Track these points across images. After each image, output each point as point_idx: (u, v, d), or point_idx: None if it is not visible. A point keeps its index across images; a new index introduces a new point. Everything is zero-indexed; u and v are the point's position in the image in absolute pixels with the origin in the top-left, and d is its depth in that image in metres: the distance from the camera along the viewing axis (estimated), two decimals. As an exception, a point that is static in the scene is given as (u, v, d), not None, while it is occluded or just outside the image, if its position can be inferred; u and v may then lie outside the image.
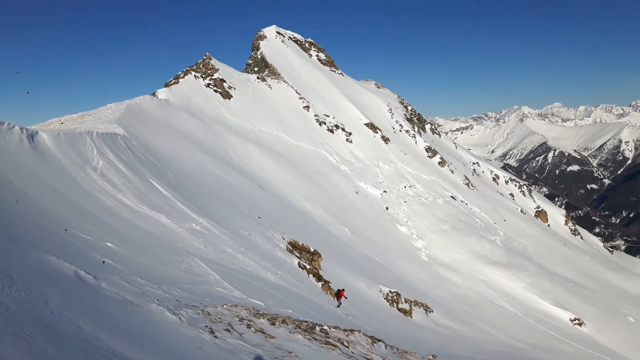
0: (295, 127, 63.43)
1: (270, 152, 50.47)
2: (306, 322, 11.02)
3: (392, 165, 70.27)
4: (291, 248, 24.83)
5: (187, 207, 20.00)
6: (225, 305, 10.40)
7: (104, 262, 10.18)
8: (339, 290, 21.13)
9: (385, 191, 61.96)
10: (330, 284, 23.37)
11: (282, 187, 42.16)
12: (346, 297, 20.87)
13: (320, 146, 62.60)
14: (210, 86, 61.68)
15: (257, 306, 12.22)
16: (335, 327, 11.24)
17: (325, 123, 70.33)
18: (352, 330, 11.44)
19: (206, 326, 8.22)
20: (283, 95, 71.36)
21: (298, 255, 24.80)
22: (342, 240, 38.88)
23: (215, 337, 7.78)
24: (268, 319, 10.02)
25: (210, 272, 13.91)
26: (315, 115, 70.67)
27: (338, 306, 20.21)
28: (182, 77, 60.75)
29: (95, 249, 11.19)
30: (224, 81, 63.82)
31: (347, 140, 69.89)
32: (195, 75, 62.42)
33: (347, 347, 9.88)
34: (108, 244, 12.12)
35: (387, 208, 58.82)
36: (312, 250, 26.09)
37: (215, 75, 63.74)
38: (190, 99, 54.46)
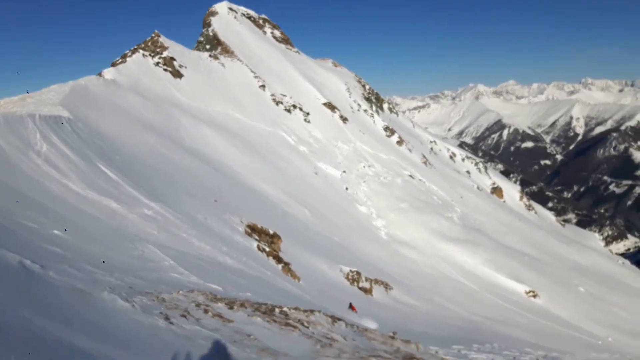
0: (251, 107, 62.31)
1: (225, 133, 49.42)
2: (265, 304, 10.78)
3: (351, 145, 70.40)
4: (250, 231, 24.46)
5: (137, 191, 19.27)
6: (181, 291, 10.02)
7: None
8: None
9: (344, 171, 62.10)
10: (290, 266, 23.21)
11: (239, 169, 41.48)
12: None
13: (277, 127, 61.85)
14: (160, 65, 59.45)
15: (215, 291, 11.89)
16: (295, 309, 11.05)
17: (282, 103, 69.42)
18: (312, 311, 11.29)
19: (161, 313, 7.85)
20: (237, 74, 69.78)
21: (257, 238, 24.47)
22: (302, 222, 38.76)
23: (171, 323, 7.43)
24: (226, 303, 9.71)
25: (164, 258, 13.44)
26: (272, 95, 69.61)
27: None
28: (130, 56, 58.25)
29: (41, 237, 10.56)
30: (174, 60, 61.72)
31: (305, 120, 69.35)
32: (143, 54, 59.99)
33: (308, 327, 9.71)
34: (55, 231, 11.48)
35: (346, 188, 59.02)
36: (271, 232, 25.82)
37: (165, 54, 61.50)
38: (139, 79, 52.45)
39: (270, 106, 67.21)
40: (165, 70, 59.27)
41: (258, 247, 23.02)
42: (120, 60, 57.26)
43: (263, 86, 69.98)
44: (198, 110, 53.08)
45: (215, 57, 71.64)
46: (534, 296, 48.08)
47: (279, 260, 23.19)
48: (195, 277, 12.76)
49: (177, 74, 59.70)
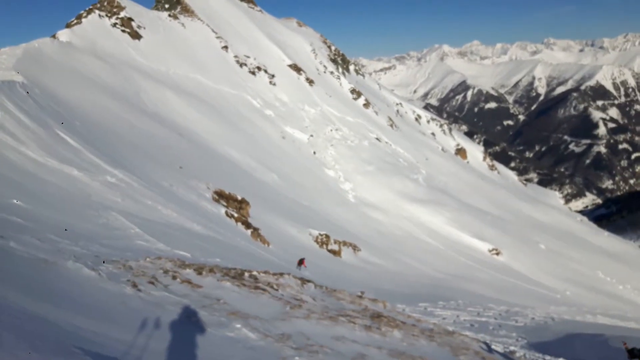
0: (214, 69, 60.75)
1: (188, 97, 48.23)
2: (234, 269, 10.82)
3: (317, 108, 69.97)
4: (217, 197, 24.29)
5: (99, 158, 18.75)
6: (148, 258, 9.93)
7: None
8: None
9: (312, 135, 61.91)
10: (259, 231, 23.27)
11: (204, 134, 40.78)
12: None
13: (242, 89, 60.72)
14: (117, 26, 56.89)
15: (183, 257, 11.83)
16: (265, 272, 11.14)
17: (246, 65, 67.91)
18: (281, 274, 11.41)
19: (128, 280, 7.77)
20: (198, 34, 67.52)
21: (225, 204, 24.34)
22: (270, 187, 38.71)
23: (139, 290, 7.38)
24: (194, 269, 9.69)
25: (130, 226, 13.23)
26: (235, 57, 67.94)
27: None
28: (85, 17, 55.39)
29: (-1, 207, 10.21)
30: (132, 20, 59.15)
31: (270, 82, 68.24)
32: (99, 14, 57.18)
33: (277, 290, 9.83)
34: (14, 201, 11.10)
35: (314, 152, 59.00)
36: (239, 198, 25.70)
37: (122, 14, 58.83)
38: (96, 41, 50.19)
39: (234, 68, 65.73)
40: (123, 31, 56.87)
41: (226, 213, 22.93)
42: (75, 21, 54.50)
43: (226, 47, 68.17)
44: (159, 73, 51.44)
45: (175, 17, 69.03)
46: (497, 253, 49.81)
47: (247, 225, 23.20)
48: (163, 244, 12.65)
49: (135, 35, 57.42)
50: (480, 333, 18.80)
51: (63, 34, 47.81)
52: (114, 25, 56.75)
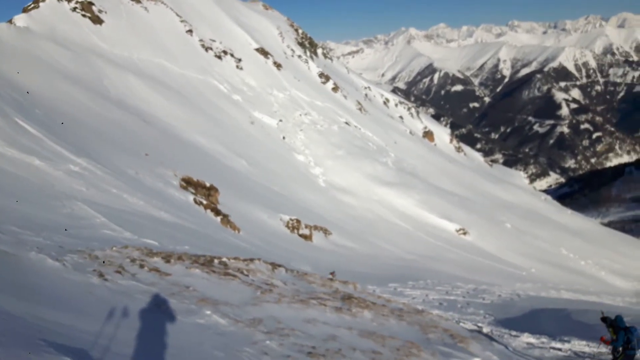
0: (179, 54, 59.41)
1: (153, 82, 47.13)
2: (204, 256, 10.76)
3: (286, 92, 69.50)
4: (185, 184, 23.99)
5: (62, 147, 18.23)
6: (114, 248, 9.77)
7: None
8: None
9: (281, 120, 61.54)
10: (229, 217, 23.14)
11: (170, 120, 40.03)
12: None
13: (208, 74, 59.66)
14: (77, 10, 54.83)
15: (151, 246, 11.68)
16: (235, 258, 11.11)
17: (212, 49, 66.64)
18: (252, 260, 11.41)
19: (94, 270, 7.65)
20: (162, 18, 65.70)
21: (193, 191, 24.06)
22: (239, 173, 38.43)
23: (105, 280, 7.28)
24: (162, 257, 9.60)
25: (95, 215, 12.96)
26: (200, 41, 66.56)
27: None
28: (43, 1, 53.25)
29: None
30: (93, 4, 57.07)
31: (237, 67, 67.26)
32: (58, -2, 54.98)
33: (247, 275, 9.83)
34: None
35: (283, 137, 58.73)
36: (208, 185, 25.43)
37: (82, -2, 56.67)
38: (55, 26, 48.36)
39: (199, 52, 64.46)
40: (83, 15, 54.89)
41: (195, 200, 22.69)
42: (32, 5, 52.28)
43: (190, 31, 66.67)
44: (122, 58, 50.03)
45: (138, 1, 66.96)
46: (464, 233, 50.91)
47: (217, 212, 23.02)
48: (130, 233, 12.46)
49: (97, 20, 55.54)
50: (449, 311, 19.28)
51: (20, 19, 45.88)
52: (74, 9, 54.70)
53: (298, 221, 30.95)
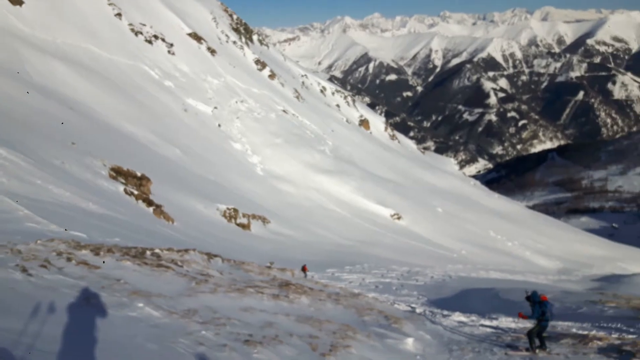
0: (107, 38, 56.57)
1: (80, 68, 44.66)
2: (135, 248, 10.43)
3: (221, 79, 68.10)
4: (115, 174, 23.04)
5: (-22, 136, 17.00)
6: (39, 241, 9.26)
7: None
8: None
9: (216, 107, 60.29)
10: (162, 208, 22.51)
11: (98, 108, 38.17)
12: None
13: (138, 60, 57.28)
14: (-6, -11, 50.87)
15: (79, 238, 11.16)
16: (169, 249, 10.86)
17: (142, 33, 63.97)
18: (186, 250, 11.18)
19: (17, 265, 7.23)
20: (88, 0, 62.32)
21: (124, 181, 23.16)
22: (173, 162, 37.37)
23: (30, 275, 6.90)
24: (91, 250, 9.21)
25: (18, 208, 12.20)
26: (130, 25, 63.68)
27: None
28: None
29: None
30: (11, -17, 53.14)
31: (169, 52, 65.02)
32: (-29, -23, 50.80)
33: (182, 266, 9.64)
34: None
35: (219, 125, 57.62)
36: (139, 175, 24.55)
37: (-1, -23, 52.62)
38: (-32, 7, 44.81)
39: (129, 37, 61.71)
40: (-1, -5, 50.95)
41: (125, 190, 21.87)
42: (-62, -18, 47.96)
43: (119, 14, 63.66)
44: (46, 42, 46.98)
45: (61, -19, 63.09)
46: (399, 218, 52.40)
47: (149, 203, 22.32)
48: (56, 226, 11.84)
49: (16, 1, 51.77)
50: (384, 293, 19.83)
51: None
52: (-13, -13, 50.65)
53: (235, 210, 30.62)
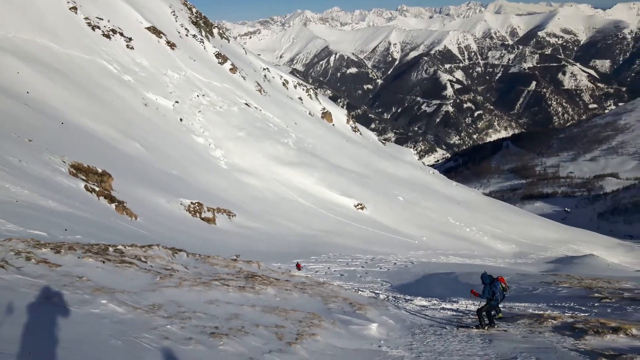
0: (63, 32, 54.75)
1: (35, 64, 43.09)
2: (98, 244, 10.29)
3: (181, 73, 66.96)
4: (75, 171, 22.47)
5: None
6: (-5, 242, 9.05)
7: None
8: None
9: (177, 101, 59.30)
10: (125, 204, 22.13)
11: (56, 104, 37.00)
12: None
13: (96, 54, 55.69)
14: (-62, -18, 48.49)
15: (39, 237, 10.93)
16: (132, 245, 10.76)
17: (99, 27, 62.17)
18: (150, 246, 11.10)
19: (-28, 267, 7.08)
20: (41, -6, 59.95)
21: (84, 178, 22.63)
22: (134, 158, 36.65)
23: (-14, 276, 6.77)
24: (51, 248, 9.05)
25: (-29, 208, 11.85)
26: (86, 18, 61.79)
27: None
28: None
29: None
30: (-43, -24, 50.80)
31: (127, 46, 63.47)
32: None
33: (146, 262, 9.58)
34: None
35: (181, 119, 56.73)
36: (100, 171, 24.02)
37: (-57, -31, 50.18)
38: None
39: (86, 31, 59.86)
40: (-58, -14, 48.59)
41: (86, 187, 21.39)
42: None
43: (74, 8, 61.63)
44: (-4, 37, 45.05)
45: (9, -27, 60.53)
46: (362, 208, 53.04)
47: (111, 199, 21.91)
48: (13, 225, 11.55)
49: (-40, -8, 49.44)
50: (349, 281, 20.16)
51: None
52: None
53: (200, 204, 30.36)
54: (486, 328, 10.43)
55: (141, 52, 64.36)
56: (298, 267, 22.36)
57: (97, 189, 21.97)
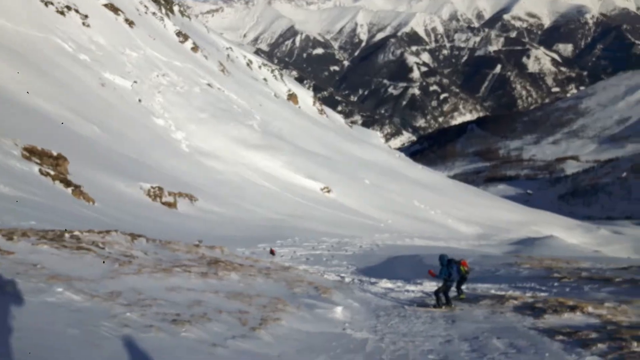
0: (13, 9, 51.98)
1: (-17, 41, 40.95)
2: (53, 231, 9.90)
3: (140, 52, 64.98)
4: (28, 154, 21.53)
5: None
6: (-60, 229, 8.57)
7: None
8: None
9: (135, 81, 57.55)
10: (82, 188, 21.41)
11: (6, 84, 35.30)
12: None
13: (50, 32, 53.25)
14: None
15: (-12, 223, 10.44)
16: (89, 231, 10.40)
17: (52, 3, 59.48)
18: (108, 231, 10.76)
19: None
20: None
21: (38, 161, 21.72)
22: (91, 140, 35.44)
23: None
24: (3, 235, 8.64)
25: None
26: (39, -5, 59.02)
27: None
28: None
29: None
30: None
31: (83, 24, 60.96)
32: None
33: (104, 248, 9.28)
34: None
35: (139, 100, 55.14)
36: (55, 154, 23.10)
37: None
38: None
39: (38, 7, 57.13)
40: None
41: (40, 171, 20.56)
42: None
43: (25, -17, 58.64)
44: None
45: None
46: (328, 191, 53.19)
47: (67, 183, 21.14)
48: (-39, 212, 10.99)
49: None
50: (315, 265, 20.20)
51: None
52: None
53: (160, 189, 29.70)
54: (443, 307, 10.77)
55: (98, 30, 62.03)
56: (272, 252, 22.32)
57: (52, 172, 21.16)
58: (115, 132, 41.28)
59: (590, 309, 9.31)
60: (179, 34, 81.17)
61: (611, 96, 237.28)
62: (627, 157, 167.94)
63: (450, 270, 10.93)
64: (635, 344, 6.85)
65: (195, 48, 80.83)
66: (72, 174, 22.51)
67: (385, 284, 15.21)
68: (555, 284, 14.20)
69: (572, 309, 9.31)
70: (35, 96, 36.12)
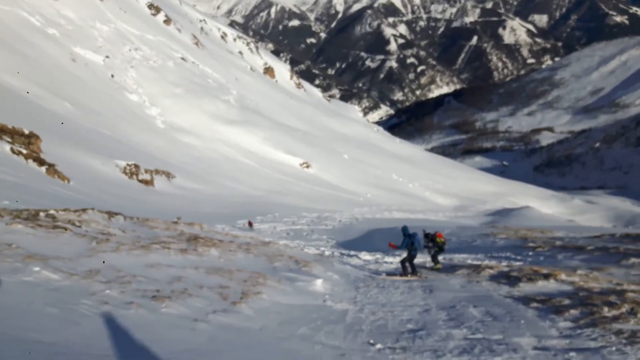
0: (-25, -19, 49.91)
1: (-56, 15, 39.28)
2: (27, 210, 9.72)
3: (111, 25, 63.13)
4: (-2, 132, 20.95)
5: None
6: None
7: None
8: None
9: (107, 56, 56.04)
10: (56, 167, 20.98)
11: (-28, 59, 34.07)
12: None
13: (15, 5, 51.17)
14: None
15: (-41, 204, 10.19)
16: (65, 210, 10.24)
17: (17, -24, 57.14)
18: (84, 210, 10.61)
19: None
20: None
21: (10, 140, 21.15)
22: (63, 117, 34.55)
23: None
24: (-25, 216, 8.46)
25: None
26: (2, -34, 56.58)
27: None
28: None
29: None
30: None
31: (51, -3, 58.82)
32: None
33: (80, 226, 9.16)
34: None
35: (112, 75, 53.81)
36: (27, 132, 22.51)
37: None
38: None
39: (1, -21, 54.76)
40: None
41: (12, 150, 20.04)
42: None
43: (-14, -47, 56.07)
44: None
45: None
46: (307, 167, 53.15)
47: (41, 162, 20.68)
48: None
49: None
50: (295, 240, 20.30)
51: None
52: None
53: (136, 166, 29.29)
54: (409, 276, 11.29)
55: (66, 3, 59.89)
56: (250, 224, 22.47)
57: (24, 151, 20.65)
58: (88, 109, 40.33)
59: (563, 276, 9.61)
60: (150, 6, 79.01)
61: (585, 67, 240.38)
62: (600, 127, 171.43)
63: (413, 240, 11.45)
64: (606, 309, 7.12)
65: (167, 21, 78.89)
66: (46, 152, 22.04)
67: (364, 256, 15.42)
68: (530, 253, 14.57)
69: (546, 277, 9.60)
70: (2, 72, 34.95)
